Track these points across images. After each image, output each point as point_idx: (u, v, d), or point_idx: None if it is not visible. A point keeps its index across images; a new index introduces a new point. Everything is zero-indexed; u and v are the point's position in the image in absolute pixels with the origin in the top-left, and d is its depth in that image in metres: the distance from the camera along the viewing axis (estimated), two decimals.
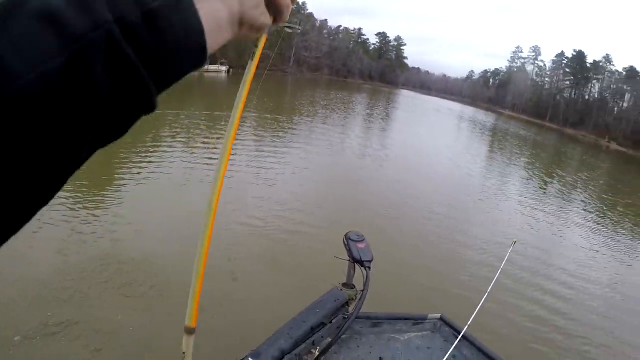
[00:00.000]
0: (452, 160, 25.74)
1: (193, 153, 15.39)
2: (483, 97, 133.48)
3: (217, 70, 51.01)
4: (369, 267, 2.80)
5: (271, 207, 11.33)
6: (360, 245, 2.87)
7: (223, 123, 19.26)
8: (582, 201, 24.59)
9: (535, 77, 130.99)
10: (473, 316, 3.24)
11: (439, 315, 3.46)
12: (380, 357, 2.92)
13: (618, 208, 25.89)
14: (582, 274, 12.14)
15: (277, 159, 16.28)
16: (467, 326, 3.22)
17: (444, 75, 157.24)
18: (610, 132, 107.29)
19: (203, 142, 17.32)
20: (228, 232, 9.02)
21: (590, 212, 22.27)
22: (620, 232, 19.30)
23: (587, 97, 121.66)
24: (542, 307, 9.33)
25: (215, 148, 15.66)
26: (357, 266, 2.85)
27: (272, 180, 13.78)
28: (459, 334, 3.17)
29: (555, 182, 28.40)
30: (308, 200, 12.49)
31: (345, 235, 2.95)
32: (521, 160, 35.22)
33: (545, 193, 23.92)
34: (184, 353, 0.94)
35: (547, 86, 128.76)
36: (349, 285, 2.96)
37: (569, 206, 22.36)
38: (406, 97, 79.67)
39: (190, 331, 0.92)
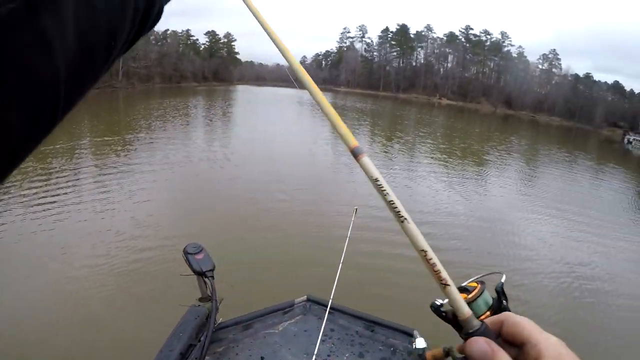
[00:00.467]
0: (300, 142, 26.02)
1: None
2: (318, 79, 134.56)
3: None
4: (212, 277, 2.77)
5: (112, 239, 10.06)
6: (199, 257, 2.82)
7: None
8: (425, 154, 26.81)
9: (364, 53, 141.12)
10: (334, 288, 3.33)
11: (305, 297, 3.57)
12: (261, 357, 2.92)
13: (456, 153, 28.78)
14: (443, 210, 14.31)
15: (106, 186, 14.27)
16: (331, 298, 3.31)
17: (277, 64, 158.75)
18: (439, 90, 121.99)
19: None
20: (70, 280, 8.04)
21: (435, 161, 24.59)
22: (467, 170, 21.53)
23: (414, 63, 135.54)
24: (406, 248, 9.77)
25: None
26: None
27: (109, 209, 12.19)
28: (327, 308, 3.27)
29: (395, 143, 30.22)
30: (151, 221, 11.43)
31: (183, 250, 2.86)
32: (363, 129, 37.10)
33: (388, 155, 25.44)
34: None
35: (376, 59, 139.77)
36: (205, 298, 2.89)
37: (415, 161, 24.22)
38: (242, 92, 78.85)
39: None
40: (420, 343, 2.88)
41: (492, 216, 15.17)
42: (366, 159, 0.71)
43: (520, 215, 16.22)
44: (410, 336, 3.26)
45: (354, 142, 0.55)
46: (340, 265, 3.56)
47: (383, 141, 30.38)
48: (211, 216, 12.26)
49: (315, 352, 2.86)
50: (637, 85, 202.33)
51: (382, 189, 0.70)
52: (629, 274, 11.50)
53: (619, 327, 8.55)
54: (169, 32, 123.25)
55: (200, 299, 2.89)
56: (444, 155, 27.54)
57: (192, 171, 17.46)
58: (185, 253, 2.82)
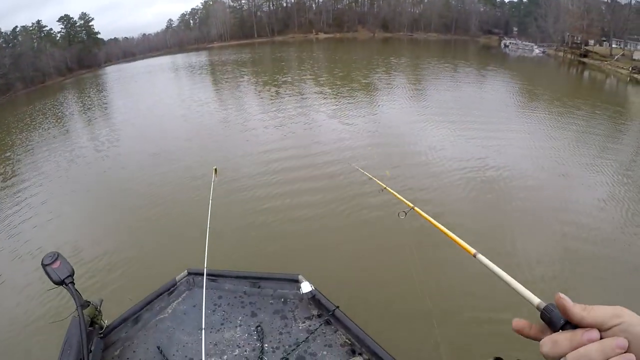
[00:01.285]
0: (186, 109, 23.77)
1: None
2: (189, 40, 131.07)
3: None
4: (71, 283, 2.66)
5: None
6: (55, 265, 2.68)
7: None
8: (316, 92, 25.67)
9: (232, 3, 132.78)
10: (206, 254, 3.48)
11: (185, 272, 3.73)
12: (157, 347, 3.00)
13: (337, 82, 27.87)
14: (343, 137, 15.29)
15: None
16: (205, 267, 3.42)
17: (144, 35, 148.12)
18: (314, 26, 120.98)
19: None
20: None
21: (325, 97, 23.79)
22: (355, 98, 21.35)
23: (284, 4, 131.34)
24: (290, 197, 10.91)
25: None
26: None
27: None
28: (204, 276, 3.35)
29: (283, 86, 28.53)
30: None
31: (41, 263, 2.69)
32: (247, 79, 35.04)
33: (280, 99, 24.09)
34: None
35: (245, 7, 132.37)
36: (83, 305, 2.77)
37: (305, 102, 22.62)
38: (114, 73, 71.78)
39: None
40: (305, 287, 3.28)
41: (390, 132, 16.49)
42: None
43: (416, 126, 17.45)
44: (296, 282, 3.46)
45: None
46: (208, 230, 3.69)
47: (269, 88, 28.54)
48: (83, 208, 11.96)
49: (203, 326, 2.86)
50: None
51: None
52: (519, 159, 13.24)
53: (518, 204, 10.28)
54: (18, 29, 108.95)
55: (81, 306, 2.66)
56: (332, 88, 26.92)
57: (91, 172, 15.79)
58: (43, 265, 2.66)
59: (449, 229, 2.14)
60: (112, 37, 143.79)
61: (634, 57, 64.22)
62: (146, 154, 15.85)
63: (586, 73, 55.87)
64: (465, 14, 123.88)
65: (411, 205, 3.02)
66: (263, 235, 9.04)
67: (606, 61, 65.66)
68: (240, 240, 8.73)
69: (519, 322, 0.80)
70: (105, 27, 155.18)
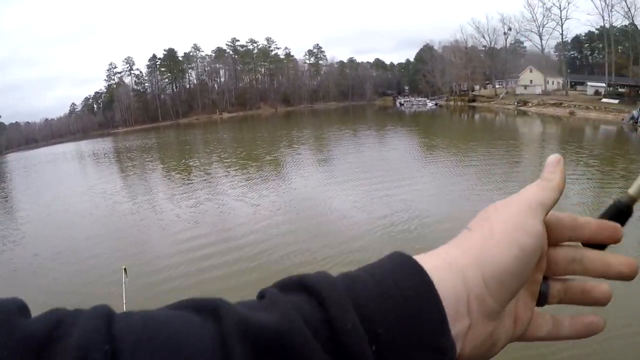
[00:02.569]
0: (91, 198, 23.75)
1: None
2: (93, 125, 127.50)
3: None
4: None
5: None
6: None
7: None
8: (224, 175, 26.74)
9: (135, 86, 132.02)
10: None
11: None
12: None
13: (244, 162, 29.36)
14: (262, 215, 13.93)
15: None
16: None
17: (47, 119, 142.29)
18: (218, 106, 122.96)
19: None
20: None
21: (236, 176, 25.09)
22: (263, 176, 22.10)
23: (188, 85, 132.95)
24: None
25: None
26: None
27: None
28: None
29: (193, 170, 29.71)
30: None
31: None
32: (155, 165, 35.58)
33: (189, 182, 24.93)
34: None
35: (149, 90, 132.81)
36: None
37: (216, 181, 24.07)
38: (15, 162, 66.85)
39: None
40: None
41: (301, 205, 16.46)
42: None
43: (328, 194, 17.81)
44: None
45: None
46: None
47: (176, 174, 29.30)
48: None
49: None
50: (394, 57, 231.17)
51: None
52: (432, 205, 14.39)
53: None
54: None
55: None
56: (240, 168, 28.02)
57: None
58: None
59: None
60: (14, 122, 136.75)
61: (516, 93, 72.38)
62: (49, 254, 14.61)
63: (477, 115, 60.63)
64: (360, 80, 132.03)
65: None
66: None
67: (493, 101, 73.08)
68: None
69: None
70: (5, 110, 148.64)
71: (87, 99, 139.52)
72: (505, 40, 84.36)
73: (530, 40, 75.06)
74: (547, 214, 0.48)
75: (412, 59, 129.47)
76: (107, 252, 13.54)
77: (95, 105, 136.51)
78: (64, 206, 22.68)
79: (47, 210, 22.30)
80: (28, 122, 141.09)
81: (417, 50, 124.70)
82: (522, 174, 18.38)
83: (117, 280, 8.72)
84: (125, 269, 5.21)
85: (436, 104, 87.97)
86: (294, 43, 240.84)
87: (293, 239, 12.58)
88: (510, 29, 79.88)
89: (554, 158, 0.52)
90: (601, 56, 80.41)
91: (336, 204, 16.01)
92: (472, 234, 0.48)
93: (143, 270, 11.32)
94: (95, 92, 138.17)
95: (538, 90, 71.00)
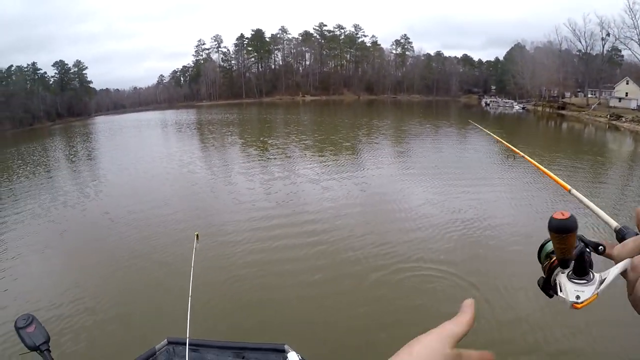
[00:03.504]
0: (178, 166, 23.83)
1: None
2: (179, 97, 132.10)
3: None
4: (47, 350, 2.42)
5: None
6: (30, 329, 2.45)
7: None
8: (300, 156, 26.17)
9: (222, 63, 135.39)
10: (188, 323, 3.17)
11: (165, 341, 3.48)
12: None
13: (323, 145, 28.68)
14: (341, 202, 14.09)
15: None
16: (187, 336, 3.13)
17: (135, 88, 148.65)
18: (301, 88, 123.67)
19: None
20: None
21: (312, 155, 25.03)
22: (340, 161, 21.31)
23: (273, 66, 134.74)
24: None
25: None
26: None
27: None
28: (186, 345, 3.09)
29: (270, 148, 29.17)
30: None
31: (14, 325, 2.46)
32: (235, 139, 35.62)
33: (267, 159, 24.50)
34: None
35: (235, 68, 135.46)
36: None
37: (294, 162, 23.35)
38: (102, 124, 70.25)
39: None
40: (292, 357, 2.96)
41: (381, 192, 16.54)
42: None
43: (405, 187, 17.47)
44: (282, 352, 3.21)
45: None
46: (190, 297, 3.37)
47: (259, 146, 29.04)
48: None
49: None
50: (483, 54, 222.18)
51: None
52: (498, 210, 14.02)
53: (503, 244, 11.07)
54: (13, 68, 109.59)
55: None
56: (318, 151, 27.49)
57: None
58: (16, 328, 2.44)
59: None
60: (104, 88, 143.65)
61: (610, 105, 67.10)
62: (126, 211, 15.17)
63: (565, 125, 57.32)
64: (446, 75, 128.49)
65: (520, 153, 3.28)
66: (248, 300, 8.57)
67: (584, 111, 68.27)
68: (225, 307, 8.31)
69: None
70: (98, 78, 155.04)
71: (174, 72, 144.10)
72: (603, 47, 77.86)
73: (630, 48, 68.55)
74: (456, 343, 0.60)
75: (501, 58, 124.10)
76: (177, 220, 13.76)
77: (182, 78, 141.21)
78: (142, 170, 23.12)
79: (126, 172, 22.92)
80: (117, 89, 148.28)
81: (506, 50, 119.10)
82: (604, 195, 16.50)
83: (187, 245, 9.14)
84: (197, 235, 4.91)
85: (523, 108, 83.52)
86: (381, 32, 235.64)
87: (354, 222, 12.78)
88: (608, 35, 73.32)
89: (468, 301, 0.65)
90: None
91: (416, 196, 15.93)
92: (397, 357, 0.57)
93: (212, 240, 11.51)
94: (182, 66, 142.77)
95: (633, 104, 65.05)
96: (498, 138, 3.51)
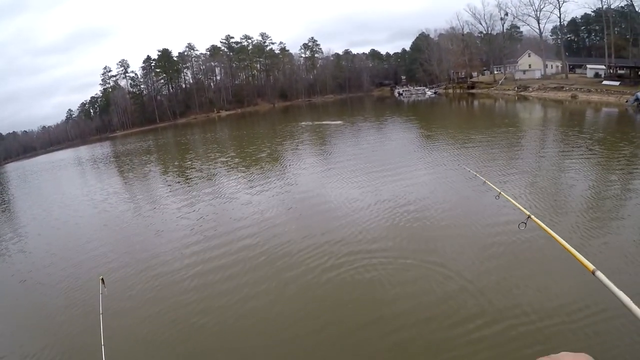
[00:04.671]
0: (92, 204, 23.10)
1: None
2: (90, 130, 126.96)
3: None
4: None
5: None
6: None
7: None
8: (224, 170, 26.50)
9: (131, 89, 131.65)
10: None
11: None
12: None
13: (245, 159, 28.91)
14: (263, 216, 12.89)
15: None
16: None
17: (44, 127, 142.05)
18: (215, 104, 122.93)
19: None
20: None
21: (236, 172, 24.47)
22: (265, 171, 21.28)
23: (184, 85, 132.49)
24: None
25: None
26: None
27: None
28: None
29: (192, 170, 29.03)
30: None
31: None
32: (153, 168, 35.15)
33: (190, 185, 24.08)
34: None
35: (145, 92, 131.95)
36: None
37: (218, 180, 23.21)
38: (13, 172, 66.83)
39: None
40: None
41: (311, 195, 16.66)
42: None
43: (331, 185, 17.97)
44: None
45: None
46: (103, 348, 3.19)
47: (177, 175, 28.83)
48: None
49: None
50: (389, 47, 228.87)
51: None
52: (429, 193, 14.62)
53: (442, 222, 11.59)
54: None
55: None
56: (243, 166, 27.48)
57: None
58: None
59: None
60: (11, 132, 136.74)
61: (515, 78, 71.96)
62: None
63: (477, 102, 60.53)
64: (357, 72, 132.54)
65: (528, 213, 3.35)
66: (168, 345, 7.66)
67: (492, 87, 72.87)
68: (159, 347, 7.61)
69: None
70: (3, 121, 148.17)
71: (83, 104, 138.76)
72: (502, 26, 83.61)
73: (528, 24, 74.24)
74: None
75: (407, 49, 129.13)
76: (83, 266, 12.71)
77: (91, 110, 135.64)
78: (52, 217, 21.89)
79: (39, 220, 21.79)
80: (25, 131, 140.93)
81: (411, 40, 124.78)
82: (523, 160, 18.32)
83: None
84: (102, 279, 4.82)
85: (435, 92, 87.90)
86: (289, 37, 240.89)
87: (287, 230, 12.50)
88: (507, 14, 78.96)
89: None
90: (598, 38, 79.83)
91: (339, 191, 16.34)
92: None
93: (126, 278, 10.96)
94: (91, 97, 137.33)
95: (537, 74, 70.53)
96: (507, 197, 4.15)
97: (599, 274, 1.64)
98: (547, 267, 8.14)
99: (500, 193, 4.48)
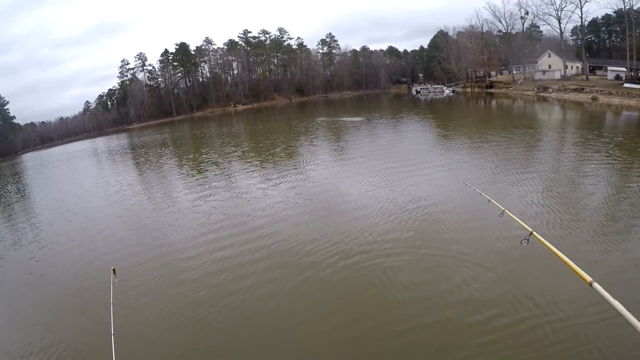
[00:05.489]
0: (106, 195, 23.21)
1: None
2: (107, 122, 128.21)
3: None
4: None
5: None
6: None
7: None
8: (241, 165, 26.35)
9: (148, 82, 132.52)
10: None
11: None
12: None
13: (261, 153, 28.89)
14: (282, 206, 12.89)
15: None
16: None
17: (62, 118, 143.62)
18: (232, 98, 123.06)
19: None
20: None
21: (251, 170, 23.97)
22: (281, 166, 21.20)
23: (201, 79, 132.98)
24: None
25: None
26: None
27: None
28: None
29: (207, 164, 29.07)
30: None
31: None
32: (169, 161, 35.22)
33: (203, 177, 24.16)
34: None
35: (162, 85, 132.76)
36: None
37: (234, 174, 22.88)
38: (31, 162, 66.69)
39: None
40: None
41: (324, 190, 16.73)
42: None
43: (347, 180, 18.12)
44: None
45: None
46: (113, 337, 3.26)
47: (191, 168, 28.86)
48: None
49: None
50: (407, 44, 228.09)
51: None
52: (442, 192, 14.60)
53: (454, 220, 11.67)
54: None
55: None
56: (257, 160, 27.52)
57: None
58: None
59: None
60: (29, 122, 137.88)
61: (535, 78, 70.94)
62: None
63: (495, 102, 59.69)
64: (374, 68, 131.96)
65: (530, 229, 3.31)
66: (173, 338, 7.70)
67: (511, 87, 71.94)
68: (171, 340, 7.62)
69: None
70: (22, 112, 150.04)
71: (100, 97, 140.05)
72: (522, 25, 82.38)
73: (549, 24, 73.01)
74: None
75: (425, 46, 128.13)
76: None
77: (109, 103, 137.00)
78: (69, 206, 22.07)
79: (51, 212, 21.74)
80: (43, 122, 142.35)
81: (429, 38, 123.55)
82: (541, 164, 17.84)
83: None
84: (114, 270, 4.88)
85: (453, 91, 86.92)
86: (307, 33, 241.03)
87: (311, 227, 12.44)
88: (527, 13, 77.71)
89: None
90: (619, 40, 78.38)
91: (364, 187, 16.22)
92: None
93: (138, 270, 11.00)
94: (108, 90, 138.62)
95: (557, 75, 69.45)
96: (511, 214, 4.12)
97: (596, 285, 1.72)
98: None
99: (504, 211, 4.48)
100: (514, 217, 4.00)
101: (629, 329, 1.46)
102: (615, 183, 14.24)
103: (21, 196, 31.02)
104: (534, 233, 3.20)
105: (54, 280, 11.56)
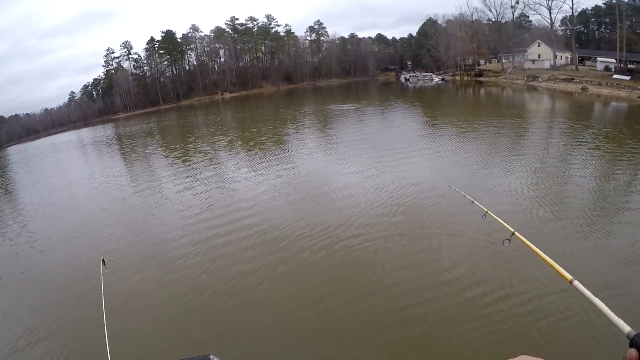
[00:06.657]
0: (93, 186, 23.07)
1: None
2: (93, 113, 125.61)
3: None
4: None
5: None
6: None
7: None
8: (228, 153, 25.76)
9: (134, 71, 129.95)
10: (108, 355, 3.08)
11: None
12: None
13: (248, 143, 28.68)
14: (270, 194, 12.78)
15: None
16: None
17: (46, 110, 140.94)
18: (219, 86, 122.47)
19: None
20: None
21: (238, 159, 23.84)
22: (269, 154, 21.12)
23: (188, 67, 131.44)
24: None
25: None
26: None
27: None
28: None
29: (194, 153, 28.91)
30: None
31: None
32: (157, 151, 34.81)
33: (190, 166, 24.00)
34: None
35: (148, 74, 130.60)
36: None
37: (223, 164, 22.82)
38: (16, 155, 65.58)
39: None
40: None
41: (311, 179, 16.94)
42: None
43: (334, 168, 18.46)
44: None
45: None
46: (106, 327, 3.24)
47: (178, 158, 28.61)
48: None
49: None
50: (396, 32, 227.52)
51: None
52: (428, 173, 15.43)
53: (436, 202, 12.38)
54: None
55: None
56: (245, 149, 27.63)
57: None
58: None
59: None
60: (13, 114, 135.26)
61: (524, 67, 71.10)
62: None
63: (485, 91, 59.75)
64: (362, 56, 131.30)
65: (512, 230, 3.26)
66: (167, 323, 7.95)
67: (500, 76, 72.06)
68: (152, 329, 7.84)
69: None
70: (7, 104, 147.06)
71: (86, 87, 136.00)
72: (513, 14, 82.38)
73: (540, 14, 73.12)
74: None
75: (414, 35, 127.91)
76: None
77: (94, 93, 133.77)
78: (48, 201, 21.73)
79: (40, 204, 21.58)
80: (28, 114, 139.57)
81: (418, 26, 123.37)
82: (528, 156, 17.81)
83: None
84: (103, 260, 4.91)
85: (443, 79, 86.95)
86: (295, 20, 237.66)
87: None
88: (518, 2, 77.61)
89: None
90: (608, 31, 78.64)
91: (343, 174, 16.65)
92: None
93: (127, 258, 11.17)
94: (93, 79, 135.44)
95: (547, 65, 69.52)
96: (494, 216, 3.99)
97: (577, 283, 1.76)
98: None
99: (487, 212, 4.50)
100: (496, 217, 3.91)
101: (613, 329, 1.41)
102: (602, 177, 14.28)
103: (7, 190, 30.49)
104: (516, 233, 3.17)
105: (42, 275, 11.55)
